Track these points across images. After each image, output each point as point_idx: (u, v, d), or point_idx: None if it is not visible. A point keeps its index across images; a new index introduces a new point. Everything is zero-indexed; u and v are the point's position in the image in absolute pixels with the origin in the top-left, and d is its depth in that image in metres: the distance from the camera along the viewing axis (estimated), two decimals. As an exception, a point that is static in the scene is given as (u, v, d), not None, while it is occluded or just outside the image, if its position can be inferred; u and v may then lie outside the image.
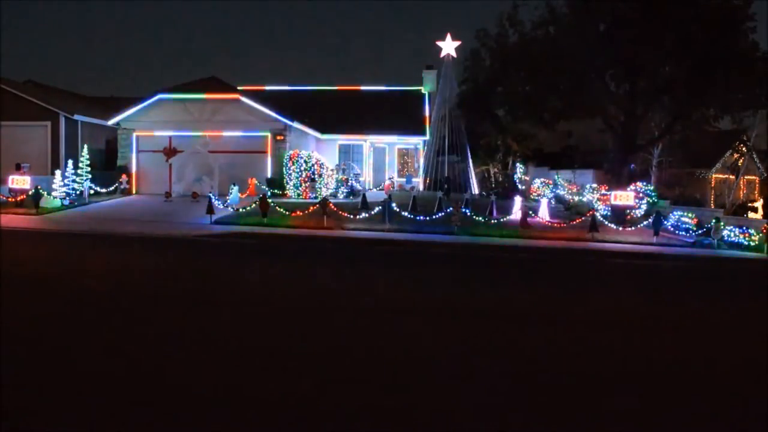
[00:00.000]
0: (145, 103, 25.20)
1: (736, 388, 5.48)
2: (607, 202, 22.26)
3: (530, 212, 19.75)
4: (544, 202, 22.25)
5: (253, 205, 19.40)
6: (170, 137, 25.48)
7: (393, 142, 31.37)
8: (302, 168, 24.49)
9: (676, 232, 20.33)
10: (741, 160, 33.31)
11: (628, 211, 21.72)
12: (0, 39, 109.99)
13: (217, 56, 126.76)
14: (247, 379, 5.07)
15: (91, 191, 22.94)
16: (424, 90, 33.73)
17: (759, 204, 28.99)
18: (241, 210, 19.56)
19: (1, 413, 4.16)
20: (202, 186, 24.27)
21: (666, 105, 23.56)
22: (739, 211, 27.59)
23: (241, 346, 6.08)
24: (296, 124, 26.04)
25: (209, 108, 25.21)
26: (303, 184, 24.49)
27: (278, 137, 25.29)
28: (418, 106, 32.54)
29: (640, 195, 22.96)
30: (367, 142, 31.12)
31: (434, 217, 19.35)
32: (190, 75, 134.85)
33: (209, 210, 18.19)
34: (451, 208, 19.28)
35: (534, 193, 30.50)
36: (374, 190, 28.25)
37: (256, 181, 24.21)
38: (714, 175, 34.90)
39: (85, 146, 24.25)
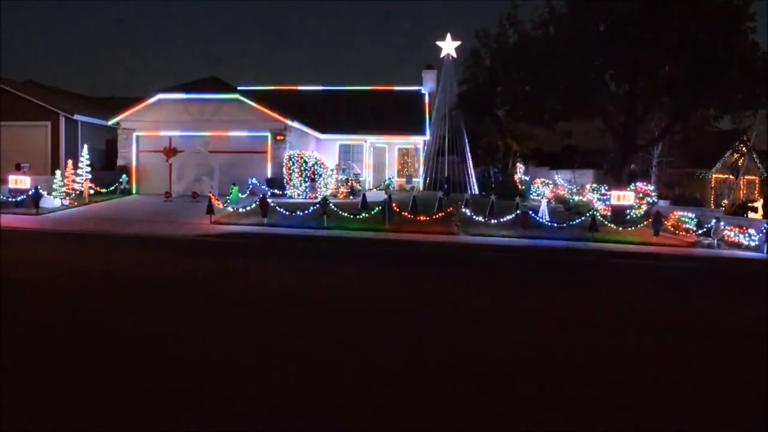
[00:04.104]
0: (145, 103, 25.22)
1: (734, 389, 5.48)
2: (608, 201, 22.28)
3: (530, 212, 19.74)
4: (543, 201, 22.26)
5: (253, 205, 19.41)
6: (170, 137, 25.50)
7: (393, 142, 31.38)
8: (302, 168, 24.51)
9: (676, 232, 20.34)
10: (741, 160, 33.33)
11: (628, 211, 21.74)
12: (0, 39, 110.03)
13: (217, 56, 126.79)
14: (246, 379, 5.07)
15: (91, 191, 22.96)
16: (424, 90, 33.75)
17: (759, 204, 28.97)
18: (241, 210, 19.56)
19: (1, 413, 4.17)
20: (202, 186, 24.31)
21: (666, 105, 23.54)
22: (739, 211, 27.58)
23: (239, 346, 6.07)
24: (296, 124, 26.06)
25: (209, 108, 25.22)
26: (303, 184, 24.51)
27: (278, 137, 25.30)
28: (418, 106, 32.55)
29: (641, 195, 23.00)
30: (367, 142, 31.13)
31: (434, 217, 19.36)
32: (190, 75, 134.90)
33: (209, 210, 18.20)
34: (451, 208, 19.29)
35: (534, 193, 30.53)
36: (374, 190, 28.26)
37: (256, 181, 24.22)
38: (714, 175, 34.92)
39: (85, 146, 24.27)
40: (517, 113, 25.29)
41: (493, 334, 7.04)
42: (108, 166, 27.23)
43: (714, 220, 18.97)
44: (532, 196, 29.83)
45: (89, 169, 23.28)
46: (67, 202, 21.06)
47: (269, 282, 9.96)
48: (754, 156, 34.38)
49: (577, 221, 19.68)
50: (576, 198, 26.84)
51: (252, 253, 13.88)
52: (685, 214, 21.11)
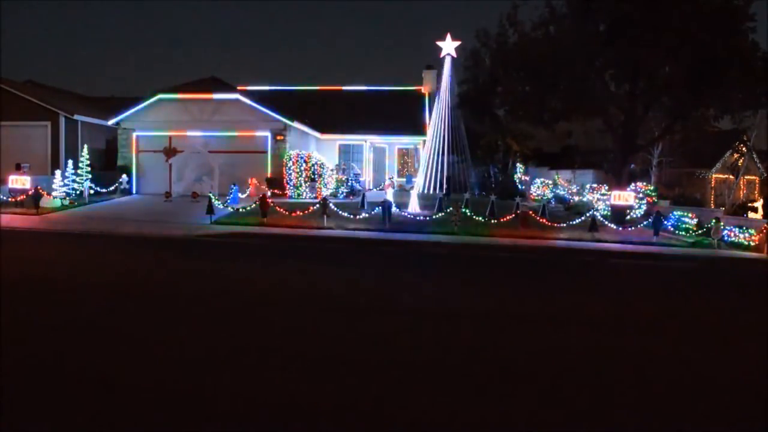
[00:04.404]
0: (145, 103, 25.22)
1: (734, 389, 5.48)
2: (608, 201, 22.28)
3: (530, 212, 19.74)
4: (543, 202, 22.28)
5: (253, 205, 19.41)
6: (170, 137, 25.49)
7: (393, 142, 31.39)
8: (302, 168, 24.52)
9: (676, 232, 20.34)
10: (741, 160, 33.31)
11: (628, 211, 21.74)
12: (0, 39, 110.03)
13: (217, 56, 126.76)
14: (246, 379, 5.07)
15: (91, 191, 22.95)
16: (423, 90, 33.74)
17: (759, 204, 28.96)
18: (241, 210, 19.56)
19: (1, 413, 4.17)
20: (202, 186, 24.32)
21: (666, 105, 23.53)
22: (739, 211, 27.57)
23: (239, 346, 6.07)
24: (296, 124, 26.06)
25: (209, 108, 25.22)
26: (303, 184, 24.51)
27: (278, 137, 25.30)
28: (418, 106, 32.56)
29: (641, 195, 23.00)
30: (367, 142, 31.12)
31: (434, 217, 19.36)
32: (190, 75, 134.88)
33: (209, 210, 18.19)
34: (451, 208, 19.28)
35: (534, 193, 30.54)
36: (374, 190, 28.25)
37: (256, 181, 24.23)
38: (714, 175, 34.91)
39: (85, 146, 24.26)
40: (517, 113, 25.28)
41: (493, 334, 7.03)
42: (108, 166, 27.20)
43: (714, 220, 18.97)
44: (532, 196, 29.83)
45: (89, 169, 23.28)
46: (67, 202, 21.05)
47: (269, 282, 9.95)
48: (754, 156, 34.35)
49: (577, 221, 19.69)
50: (576, 198, 26.85)
51: (252, 253, 13.87)
52: (685, 214, 21.11)
